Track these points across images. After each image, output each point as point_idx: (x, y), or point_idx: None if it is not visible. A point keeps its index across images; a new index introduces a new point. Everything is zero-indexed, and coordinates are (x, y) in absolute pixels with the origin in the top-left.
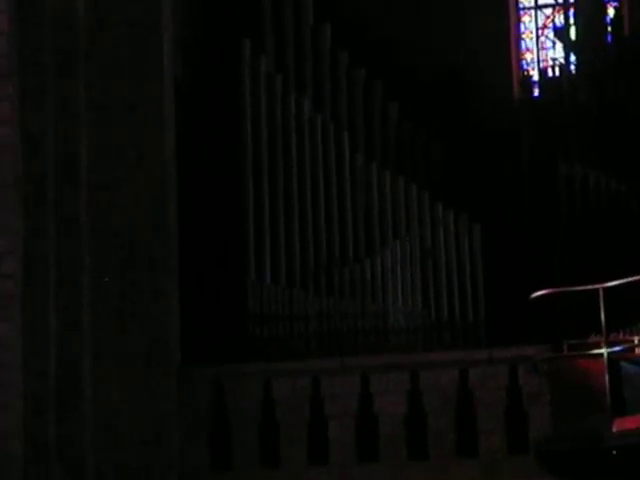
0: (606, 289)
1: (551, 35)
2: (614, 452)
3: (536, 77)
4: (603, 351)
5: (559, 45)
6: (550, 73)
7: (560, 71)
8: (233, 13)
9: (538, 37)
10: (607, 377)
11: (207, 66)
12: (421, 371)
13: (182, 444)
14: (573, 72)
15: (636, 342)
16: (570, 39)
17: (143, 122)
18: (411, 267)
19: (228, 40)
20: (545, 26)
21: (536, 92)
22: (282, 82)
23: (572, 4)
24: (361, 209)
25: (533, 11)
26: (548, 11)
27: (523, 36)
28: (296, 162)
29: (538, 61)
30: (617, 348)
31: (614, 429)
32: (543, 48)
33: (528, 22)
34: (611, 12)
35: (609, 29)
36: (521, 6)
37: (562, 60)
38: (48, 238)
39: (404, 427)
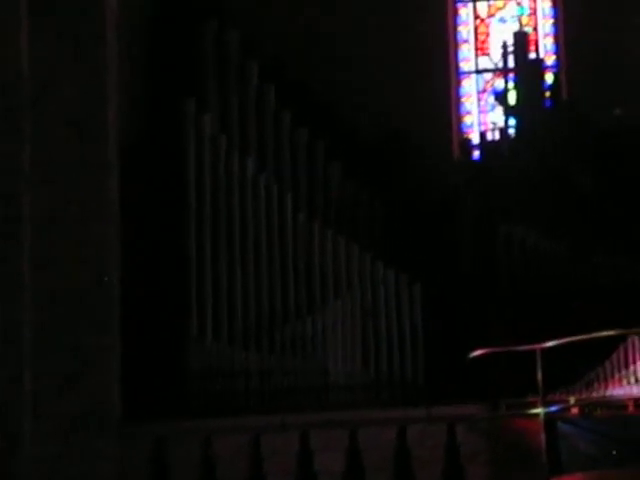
0: (543, 349)
1: (491, 99)
2: None
3: (476, 140)
4: (540, 411)
5: (499, 109)
6: (490, 136)
7: (500, 134)
8: (177, 72)
9: (478, 101)
10: (544, 436)
11: (152, 125)
12: (360, 429)
13: None
14: (512, 136)
15: (572, 402)
16: (509, 103)
17: (87, 184)
18: (352, 326)
19: (172, 99)
20: (485, 90)
21: (476, 155)
22: (226, 142)
23: (512, 69)
24: (303, 268)
25: (473, 75)
26: (488, 76)
27: (463, 100)
28: (239, 221)
29: (478, 124)
30: (553, 408)
31: None
32: (483, 112)
33: (468, 86)
34: (550, 78)
35: (548, 94)
36: (462, 70)
37: (502, 124)
38: None
39: None
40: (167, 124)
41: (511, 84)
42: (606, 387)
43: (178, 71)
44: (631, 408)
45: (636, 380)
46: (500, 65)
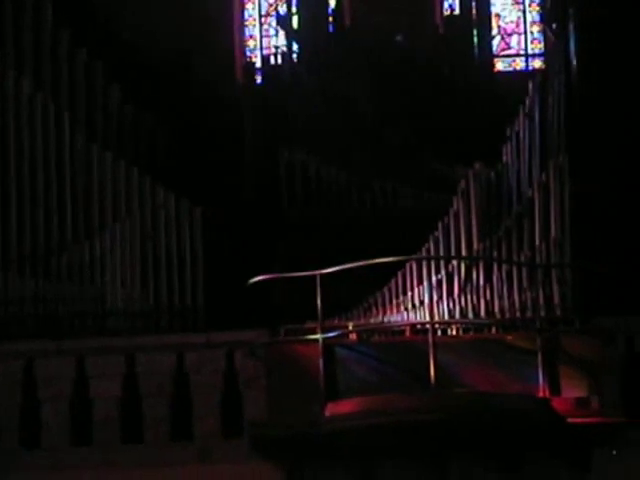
0: (323, 275)
1: (274, 23)
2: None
3: (259, 64)
4: (318, 336)
5: (282, 33)
6: (273, 60)
7: (282, 59)
8: None
9: (261, 24)
10: (322, 362)
11: None
12: (138, 355)
13: None
14: (295, 60)
15: (350, 328)
16: (292, 27)
17: None
18: (131, 251)
19: None
20: (268, 14)
21: (259, 79)
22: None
23: None
24: (80, 191)
25: None
26: None
27: (246, 23)
28: (14, 143)
29: (261, 48)
30: (332, 333)
31: (327, 413)
32: (266, 35)
33: (251, 9)
34: (333, 2)
35: (331, 19)
36: None
37: (285, 48)
38: None
39: (119, 411)
40: None
41: (294, 8)
42: (384, 313)
43: None
44: (408, 334)
45: (413, 306)
46: None
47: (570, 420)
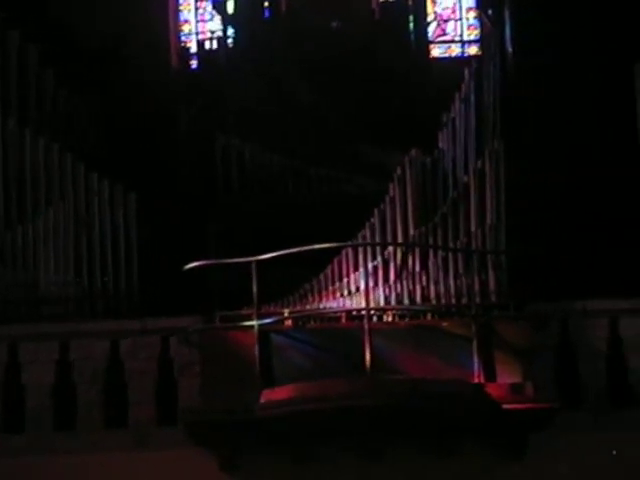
0: (259, 262)
1: (209, 7)
2: None
3: (194, 49)
4: (254, 323)
5: (218, 18)
6: (208, 45)
7: (218, 44)
8: None
9: (197, 9)
10: (257, 349)
11: None
12: (72, 341)
13: None
14: (231, 45)
15: (286, 314)
16: (228, 12)
17: None
18: (64, 236)
19: None
20: None
21: (194, 64)
22: None
23: None
24: (13, 176)
25: None
26: None
27: (181, 7)
28: None
29: (197, 33)
30: (268, 320)
31: (262, 400)
32: (202, 20)
33: None
34: None
35: (267, 4)
36: None
37: (220, 33)
38: None
39: (52, 398)
40: None
41: None
42: (320, 300)
43: None
44: (344, 320)
45: (349, 292)
46: None
47: (505, 406)
